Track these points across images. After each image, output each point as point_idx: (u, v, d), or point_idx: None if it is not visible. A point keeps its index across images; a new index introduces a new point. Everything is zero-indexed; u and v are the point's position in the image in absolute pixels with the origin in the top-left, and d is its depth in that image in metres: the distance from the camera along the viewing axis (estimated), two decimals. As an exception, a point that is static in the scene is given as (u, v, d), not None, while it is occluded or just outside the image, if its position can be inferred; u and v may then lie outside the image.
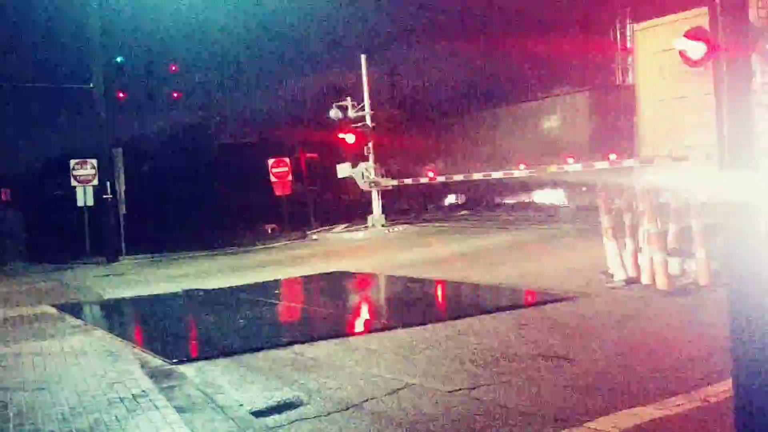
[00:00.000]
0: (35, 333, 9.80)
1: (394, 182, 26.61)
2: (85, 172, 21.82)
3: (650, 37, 20.40)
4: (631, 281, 10.12)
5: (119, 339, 9.13)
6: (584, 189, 22.49)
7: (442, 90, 41.68)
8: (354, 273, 14.59)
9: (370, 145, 24.59)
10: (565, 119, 24.72)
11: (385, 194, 25.04)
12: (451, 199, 31.35)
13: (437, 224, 24.62)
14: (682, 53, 9.65)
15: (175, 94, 38.15)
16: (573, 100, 24.70)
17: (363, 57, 25.11)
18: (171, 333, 9.92)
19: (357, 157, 25.10)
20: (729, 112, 3.44)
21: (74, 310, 11.92)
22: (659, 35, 19.93)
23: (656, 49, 19.32)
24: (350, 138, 24.14)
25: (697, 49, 9.02)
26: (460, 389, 6.01)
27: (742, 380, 3.46)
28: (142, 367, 7.48)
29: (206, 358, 7.76)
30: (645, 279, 9.88)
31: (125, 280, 16.41)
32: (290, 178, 26.36)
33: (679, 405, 5.20)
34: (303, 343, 8.17)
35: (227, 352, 7.95)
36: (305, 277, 14.62)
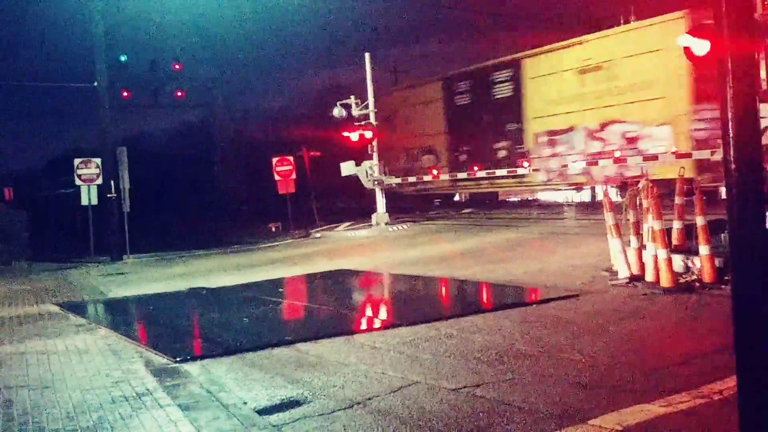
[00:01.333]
0: (39, 332, 9.82)
1: (398, 180, 26.60)
2: (89, 171, 21.83)
3: (388, 102, 30.91)
4: (634, 278, 10.10)
5: (123, 338, 9.14)
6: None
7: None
8: (358, 271, 14.59)
9: (374, 143, 24.57)
10: None
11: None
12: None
13: (441, 222, 24.61)
14: (686, 50, 9.63)
15: (179, 93, 38.12)
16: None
17: (367, 55, 25.09)
18: (175, 331, 9.92)
19: (361, 155, 25.10)
20: (734, 109, 3.43)
21: (78, 308, 11.94)
22: (396, 100, 32.12)
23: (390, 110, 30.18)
24: (354, 136, 24.11)
25: (701, 46, 9.01)
26: (464, 387, 6.00)
27: (746, 377, 3.46)
28: (146, 365, 7.49)
29: (210, 357, 7.77)
30: (649, 276, 9.86)
31: (129, 278, 16.43)
32: (294, 176, 26.37)
33: (683, 402, 5.20)
34: (307, 341, 8.18)
35: (231, 350, 7.96)
36: (309, 275, 14.62)
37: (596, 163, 21.47)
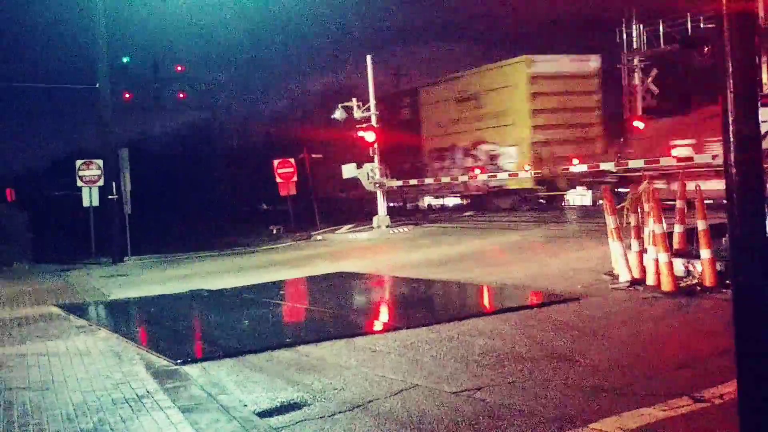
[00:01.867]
0: (40, 333, 9.82)
1: (399, 183, 26.62)
2: (90, 172, 21.84)
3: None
4: (635, 282, 10.09)
5: (124, 339, 9.13)
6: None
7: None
8: (359, 274, 14.58)
9: (375, 145, 24.56)
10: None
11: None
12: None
13: (442, 225, 24.61)
14: (688, 53, 9.64)
15: (181, 95, 38.19)
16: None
17: (368, 57, 25.09)
18: (176, 333, 9.92)
19: (363, 158, 25.11)
20: (735, 113, 3.43)
21: (79, 310, 11.93)
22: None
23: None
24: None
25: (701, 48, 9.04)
26: (465, 390, 6.00)
27: (747, 381, 3.45)
28: (147, 367, 7.49)
29: (211, 359, 7.77)
30: (650, 280, 9.85)
31: (130, 280, 16.44)
32: (295, 178, 26.39)
33: (683, 406, 5.19)
34: (307, 343, 8.18)
35: (232, 353, 7.95)
36: (310, 277, 14.61)
37: (471, 176, 26.67)
